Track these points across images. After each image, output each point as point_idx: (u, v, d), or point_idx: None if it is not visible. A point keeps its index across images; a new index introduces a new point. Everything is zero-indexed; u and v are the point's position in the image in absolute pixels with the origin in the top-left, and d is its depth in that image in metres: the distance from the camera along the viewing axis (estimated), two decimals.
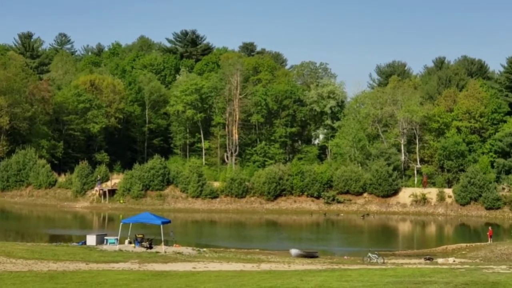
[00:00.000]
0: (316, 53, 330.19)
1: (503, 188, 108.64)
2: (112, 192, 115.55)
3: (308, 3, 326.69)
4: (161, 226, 58.53)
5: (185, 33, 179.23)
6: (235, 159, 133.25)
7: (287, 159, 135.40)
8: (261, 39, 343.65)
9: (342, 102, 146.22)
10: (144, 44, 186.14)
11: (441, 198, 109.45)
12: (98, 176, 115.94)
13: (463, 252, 65.64)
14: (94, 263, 45.01)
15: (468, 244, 71.48)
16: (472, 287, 26.72)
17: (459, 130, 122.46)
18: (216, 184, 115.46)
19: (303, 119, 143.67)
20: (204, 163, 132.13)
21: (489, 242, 72.52)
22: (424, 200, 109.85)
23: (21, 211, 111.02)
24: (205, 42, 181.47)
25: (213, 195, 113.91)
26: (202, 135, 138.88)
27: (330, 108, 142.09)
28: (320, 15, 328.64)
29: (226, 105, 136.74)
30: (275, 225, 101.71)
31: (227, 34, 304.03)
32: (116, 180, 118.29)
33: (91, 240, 60.47)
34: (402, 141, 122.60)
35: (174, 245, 60.42)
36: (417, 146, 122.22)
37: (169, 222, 62.62)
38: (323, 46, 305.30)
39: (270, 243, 76.47)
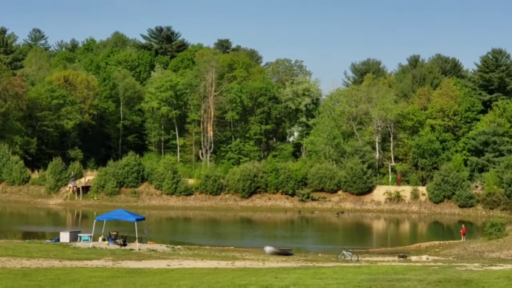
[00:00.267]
0: (291, 51, 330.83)
1: (476, 186, 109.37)
2: (86, 189, 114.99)
3: (284, 1, 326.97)
4: (135, 223, 58.16)
5: (160, 30, 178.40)
6: (210, 156, 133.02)
7: (262, 156, 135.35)
8: (236, 36, 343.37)
9: (317, 99, 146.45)
10: (119, 40, 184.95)
11: (415, 196, 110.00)
12: (72, 172, 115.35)
13: (437, 249, 66.04)
14: (67, 260, 44.71)
15: (441, 242, 71.91)
16: (445, 284, 26.85)
17: (433, 128, 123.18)
18: (191, 181, 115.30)
19: (278, 116, 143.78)
20: (179, 160, 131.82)
21: (462, 240, 73.03)
22: (398, 198, 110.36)
23: None
24: (180, 38, 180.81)
25: (188, 192, 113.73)
26: (177, 132, 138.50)
27: (305, 105, 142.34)
28: (296, 12, 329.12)
29: (201, 102, 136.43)
30: (249, 222, 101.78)
31: (202, 30, 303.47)
32: (90, 177, 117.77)
33: (64, 237, 60.08)
34: (377, 139, 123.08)
35: (149, 242, 60.16)
36: (392, 144, 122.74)
37: (144, 219, 62.34)
38: (298, 43, 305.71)
39: (244, 241, 76.55)
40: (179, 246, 60.34)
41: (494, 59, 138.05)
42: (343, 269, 38.04)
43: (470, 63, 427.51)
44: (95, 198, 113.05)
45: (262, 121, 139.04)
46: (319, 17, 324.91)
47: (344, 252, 56.14)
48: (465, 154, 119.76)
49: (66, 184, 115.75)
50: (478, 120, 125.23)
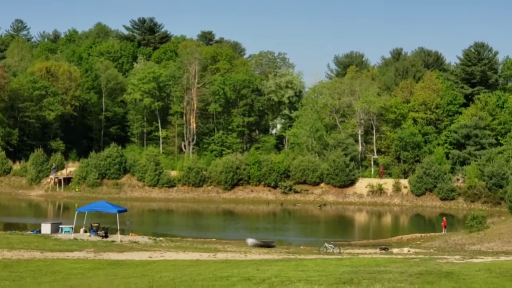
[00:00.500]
0: (275, 43, 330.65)
1: (458, 179, 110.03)
2: (67, 180, 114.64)
3: None
4: (117, 215, 58.02)
5: (142, 21, 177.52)
6: (193, 148, 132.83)
7: (245, 148, 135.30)
8: (219, 28, 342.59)
9: (300, 92, 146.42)
10: (101, 31, 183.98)
11: (397, 188, 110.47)
12: (53, 164, 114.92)
13: (418, 242, 66.31)
14: (49, 251, 44.57)
15: (422, 235, 72.28)
16: (426, 276, 26.92)
17: (415, 121, 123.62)
18: (173, 173, 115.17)
19: (261, 108, 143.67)
20: (161, 152, 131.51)
21: (443, 232, 73.41)
22: (380, 190, 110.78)
23: None
24: (163, 30, 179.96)
25: (170, 184, 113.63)
26: (159, 124, 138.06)
27: (288, 98, 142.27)
28: (279, 5, 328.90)
29: (184, 94, 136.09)
30: (232, 214, 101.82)
31: (185, 22, 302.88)
32: (71, 168, 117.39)
33: (46, 228, 59.88)
34: (359, 131, 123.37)
35: (130, 234, 60.10)
36: (374, 137, 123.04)
37: (125, 211, 62.23)
38: (281, 36, 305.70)
39: (226, 233, 76.56)
40: (161, 238, 60.31)
41: (476, 53, 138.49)
42: (325, 261, 38.11)
43: (452, 57, 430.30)
44: (77, 189, 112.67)
45: (245, 113, 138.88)
46: (302, 9, 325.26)
47: (326, 244, 56.23)
48: (447, 147, 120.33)
49: (47, 176, 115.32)
50: (460, 113, 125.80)
